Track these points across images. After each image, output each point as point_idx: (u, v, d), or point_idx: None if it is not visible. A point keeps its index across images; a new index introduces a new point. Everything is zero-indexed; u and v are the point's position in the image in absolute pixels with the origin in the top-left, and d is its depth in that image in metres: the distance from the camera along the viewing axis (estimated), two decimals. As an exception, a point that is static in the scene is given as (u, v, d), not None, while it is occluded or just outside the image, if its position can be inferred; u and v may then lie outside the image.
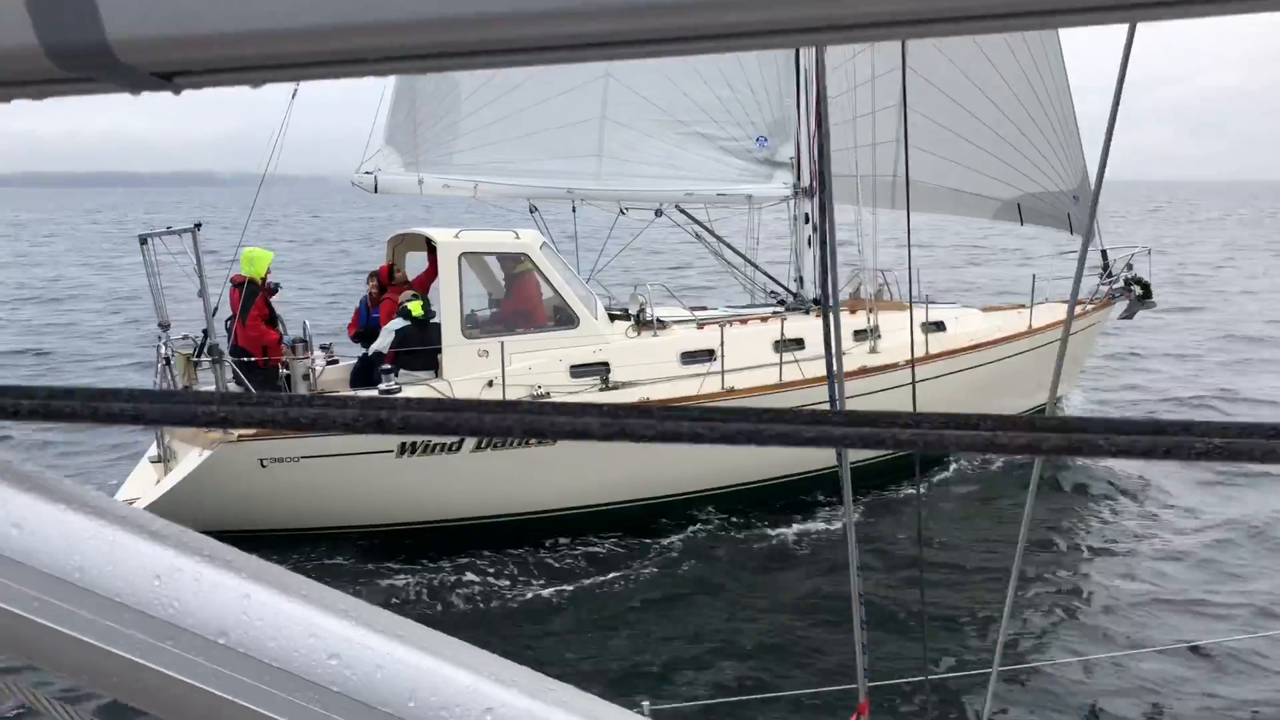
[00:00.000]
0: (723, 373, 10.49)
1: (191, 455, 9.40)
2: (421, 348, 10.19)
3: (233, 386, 9.72)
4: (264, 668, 0.69)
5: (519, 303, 10.79)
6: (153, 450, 10.19)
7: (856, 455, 9.59)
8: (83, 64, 0.56)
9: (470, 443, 9.65)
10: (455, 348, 10.17)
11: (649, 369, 10.74)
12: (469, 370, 10.10)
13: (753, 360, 10.96)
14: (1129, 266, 14.93)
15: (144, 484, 9.69)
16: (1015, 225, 15.67)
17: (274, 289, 10.72)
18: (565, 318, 10.79)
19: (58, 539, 0.69)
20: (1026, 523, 3.29)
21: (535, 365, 10.37)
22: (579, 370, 10.56)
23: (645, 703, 4.52)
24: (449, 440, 9.61)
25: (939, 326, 12.89)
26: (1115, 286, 14.83)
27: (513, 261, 10.83)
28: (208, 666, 0.69)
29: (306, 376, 10.38)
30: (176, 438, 9.80)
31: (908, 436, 0.62)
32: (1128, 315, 15.20)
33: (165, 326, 9.49)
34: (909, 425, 0.62)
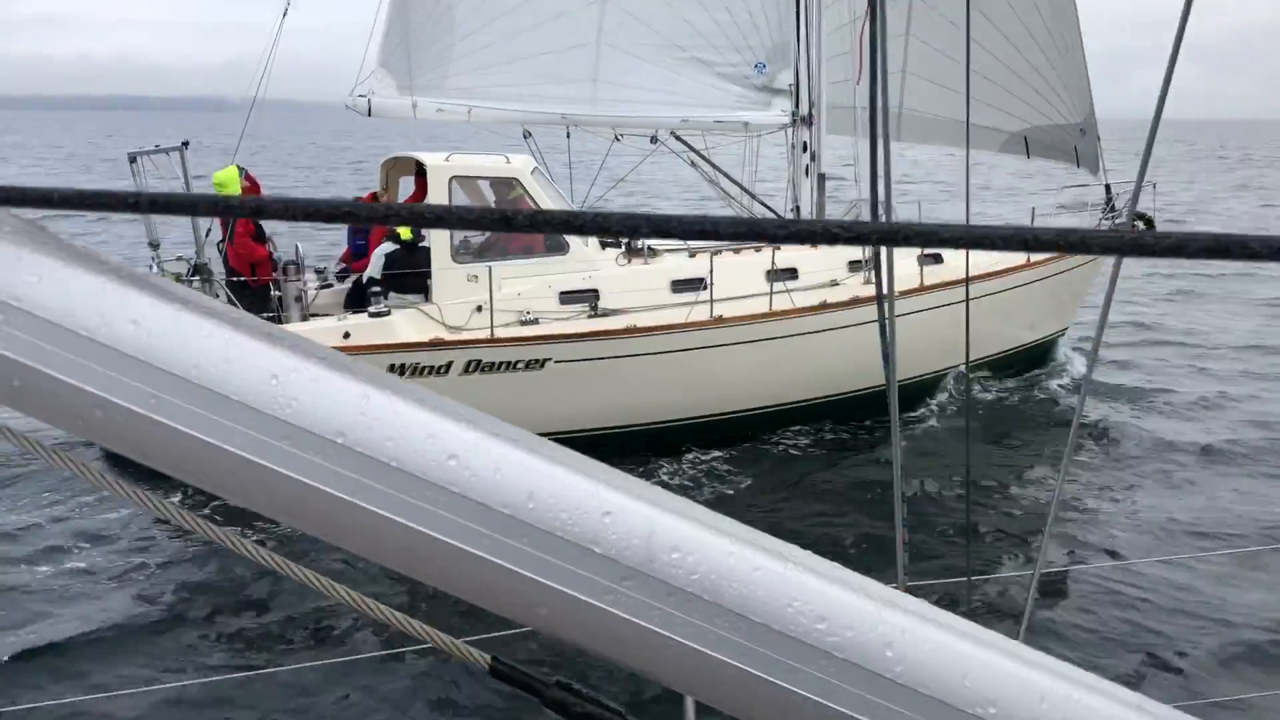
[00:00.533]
0: (711, 301, 10.47)
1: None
2: (411, 270, 10.21)
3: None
4: (382, 468, 0.68)
5: (514, 236, 10.78)
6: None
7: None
8: None
9: (458, 366, 9.71)
10: (445, 271, 10.20)
11: (638, 296, 10.74)
12: (459, 294, 10.13)
13: (744, 289, 10.93)
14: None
15: None
16: (1020, 160, 15.55)
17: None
18: (555, 244, 10.78)
19: (174, 335, 0.68)
20: (1076, 424, 3.23)
21: (525, 291, 10.39)
22: (568, 296, 10.58)
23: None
24: (438, 363, 9.68)
25: (935, 259, 12.81)
26: (1119, 221, 14.67)
27: (506, 187, 10.80)
28: (325, 466, 0.68)
29: (299, 298, 10.44)
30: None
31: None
32: None
33: (155, 245, 9.54)
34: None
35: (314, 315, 10.41)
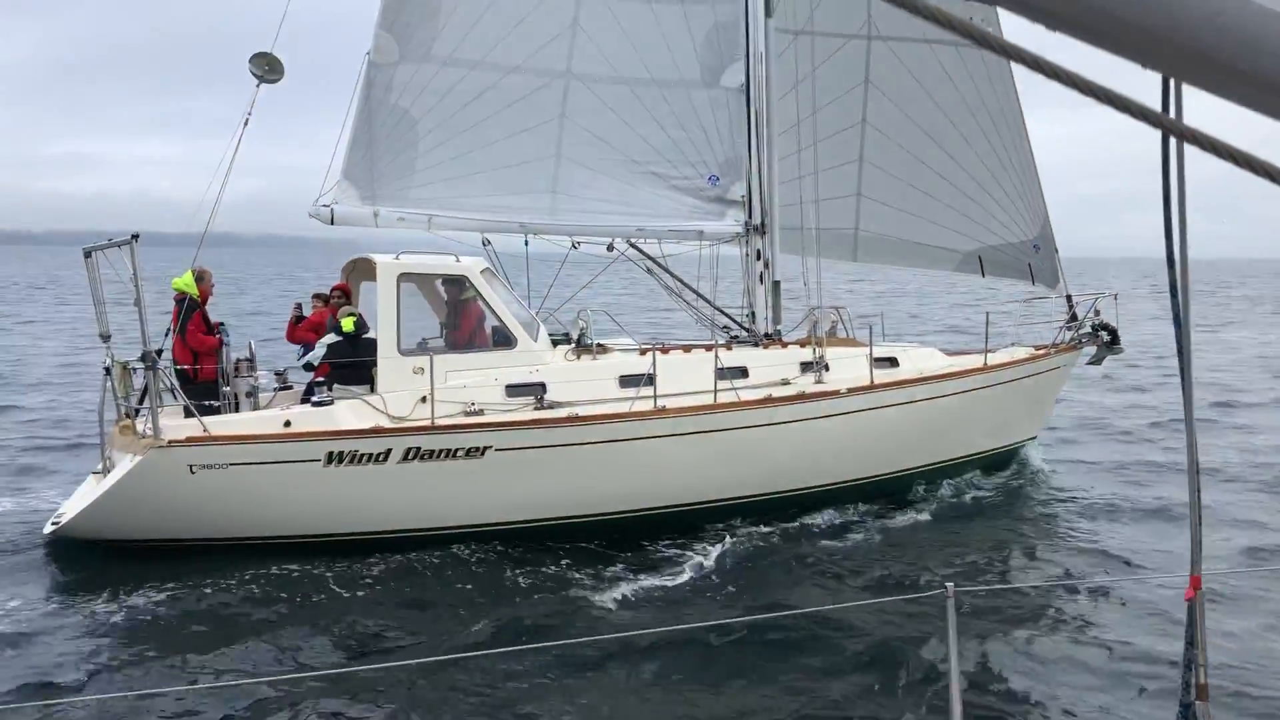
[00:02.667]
0: (655, 396, 10.59)
1: (125, 461, 9.62)
2: (352, 360, 10.42)
3: (170, 396, 10.00)
4: None
5: (463, 331, 11.04)
6: (98, 465, 10.43)
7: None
8: None
9: (397, 453, 9.80)
10: (389, 361, 10.40)
11: (585, 389, 10.88)
12: (403, 385, 10.30)
13: (692, 386, 11.06)
14: (1096, 312, 14.95)
15: (85, 497, 9.88)
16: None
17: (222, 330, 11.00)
18: (503, 338, 11.01)
19: None
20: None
21: (470, 383, 10.56)
22: (515, 389, 10.73)
23: None
24: (377, 450, 9.77)
25: (891, 362, 12.95)
26: (1082, 332, 14.83)
27: (456, 287, 11.11)
28: None
29: (250, 394, 10.64)
30: (116, 447, 10.03)
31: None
32: (1095, 361, 15.17)
33: (106, 337, 9.81)
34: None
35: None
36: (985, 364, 13.31)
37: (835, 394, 11.52)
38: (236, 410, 10.42)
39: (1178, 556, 9.87)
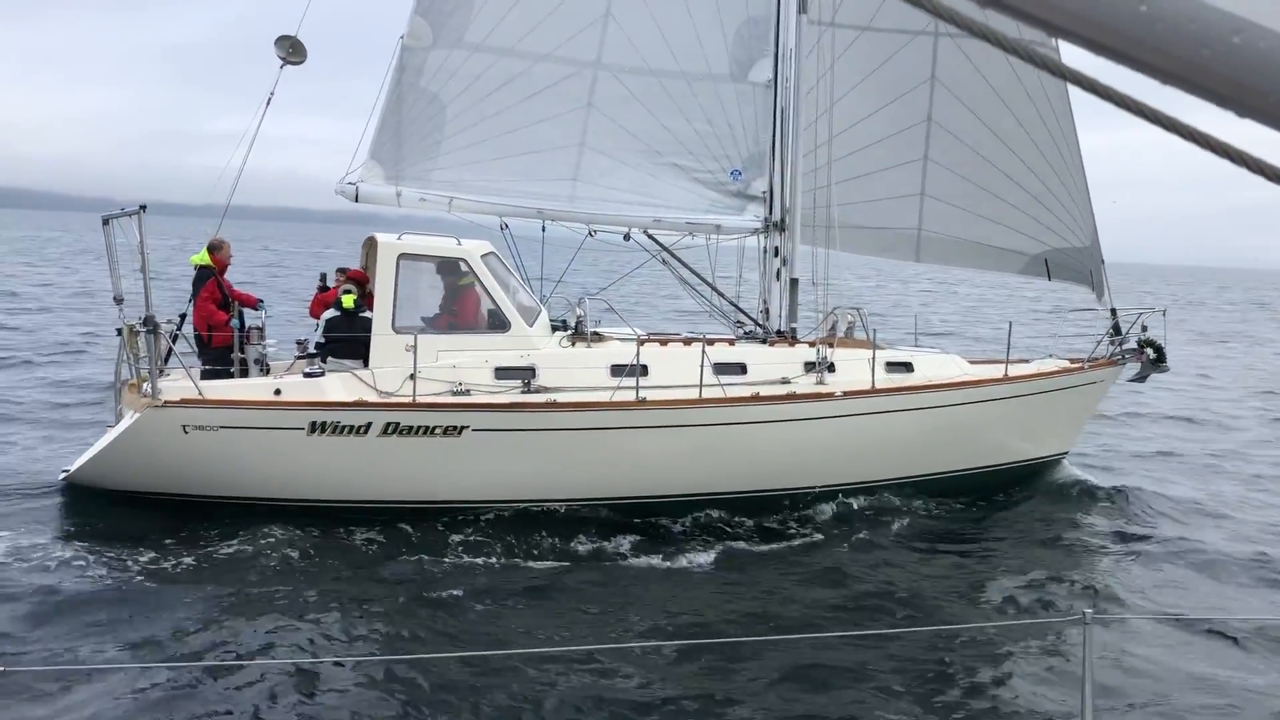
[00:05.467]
0: (637, 387, 10.71)
1: (127, 418, 10.26)
2: (348, 335, 10.83)
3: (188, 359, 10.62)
4: None
5: (459, 315, 11.34)
6: (112, 420, 11.14)
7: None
8: None
9: (377, 427, 10.18)
10: (382, 338, 10.78)
11: (575, 376, 11.07)
12: (393, 362, 10.66)
13: (684, 379, 11.14)
14: (1144, 328, 14.40)
15: (93, 449, 10.58)
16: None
17: (258, 304, 11.64)
18: (498, 322, 11.28)
19: None
20: None
21: (461, 363, 10.87)
22: (504, 372, 10.99)
23: None
24: (358, 423, 10.17)
25: (906, 367, 12.77)
26: (1126, 347, 14.32)
27: (454, 274, 11.41)
28: None
29: (258, 360, 11.18)
30: (125, 404, 10.69)
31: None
32: (1139, 379, 14.63)
33: (119, 300, 10.43)
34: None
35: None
36: (1006, 375, 13.00)
37: (828, 397, 11.44)
38: (245, 376, 10.97)
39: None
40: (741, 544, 10.64)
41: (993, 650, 8.15)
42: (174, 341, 11.20)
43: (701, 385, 10.95)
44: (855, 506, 11.72)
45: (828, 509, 11.53)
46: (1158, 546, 11.37)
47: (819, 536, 10.99)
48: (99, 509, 10.27)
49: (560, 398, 10.77)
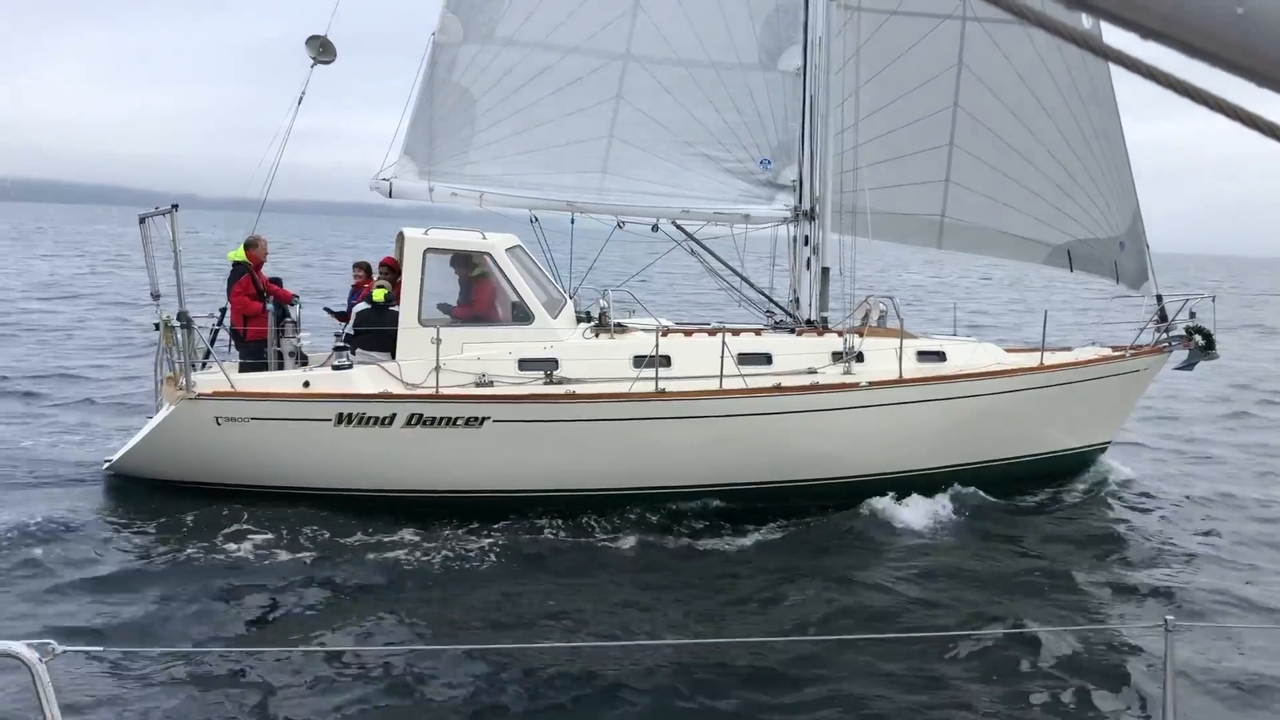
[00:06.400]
0: (657, 378, 10.78)
1: (162, 411, 10.65)
2: (378, 328, 11.09)
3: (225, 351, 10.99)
4: None
5: (475, 306, 11.53)
6: (153, 411, 11.56)
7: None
8: None
9: (401, 418, 10.42)
10: (409, 331, 11.01)
11: (598, 367, 11.19)
12: (420, 354, 10.88)
13: (709, 371, 11.17)
14: (1191, 314, 14.06)
15: (133, 440, 11.01)
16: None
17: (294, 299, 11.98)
18: (522, 314, 11.44)
19: None
20: None
21: (484, 355, 11.06)
22: (527, 364, 11.15)
23: None
24: (383, 414, 10.42)
25: (938, 356, 12.65)
26: (1173, 334, 14.00)
27: (467, 266, 11.57)
28: None
29: (293, 353, 11.51)
30: (164, 396, 11.09)
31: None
32: (1187, 366, 14.29)
33: (156, 296, 10.82)
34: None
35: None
36: (1041, 363, 12.80)
37: (852, 387, 11.39)
38: (281, 369, 11.30)
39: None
40: (776, 535, 10.66)
41: (1068, 655, 7.92)
42: (214, 335, 11.61)
43: (721, 376, 10.98)
44: (891, 499, 11.54)
45: (867, 502, 11.41)
46: (1224, 544, 11.09)
47: (860, 529, 10.92)
48: (139, 497, 10.69)
49: (581, 389, 10.90)
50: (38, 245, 68.00)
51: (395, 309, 11.23)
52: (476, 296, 11.57)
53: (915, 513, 11.26)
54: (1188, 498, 13.09)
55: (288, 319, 11.65)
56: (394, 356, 11.05)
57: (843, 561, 10.04)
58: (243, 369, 11.18)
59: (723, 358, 10.98)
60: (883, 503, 11.38)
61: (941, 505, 11.59)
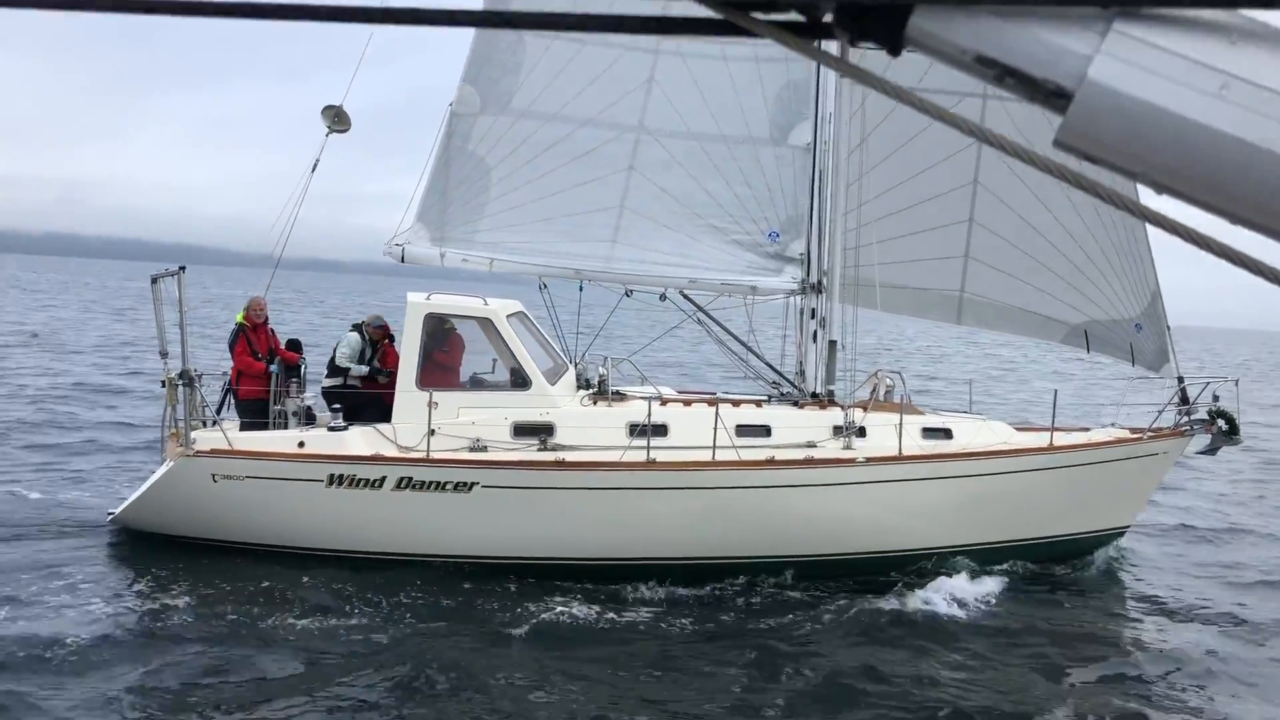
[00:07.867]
0: (648, 447, 10.77)
1: (163, 466, 10.88)
2: (353, 391, 11.34)
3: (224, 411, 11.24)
4: None
5: (449, 357, 11.66)
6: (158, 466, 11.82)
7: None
8: None
9: (391, 481, 10.52)
10: (406, 394, 11.15)
11: (593, 435, 11.21)
12: (416, 417, 11.00)
13: (705, 441, 11.12)
14: (1215, 398, 13.73)
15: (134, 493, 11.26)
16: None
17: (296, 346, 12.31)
18: (520, 380, 11.53)
19: None
20: None
21: (480, 420, 11.15)
22: (522, 429, 11.22)
23: None
24: (373, 476, 10.53)
25: (944, 433, 12.47)
26: (1195, 418, 13.66)
27: (441, 322, 11.69)
28: None
29: (297, 413, 11.71)
30: (167, 452, 11.33)
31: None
32: (1210, 451, 13.91)
33: (164, 355, 11.12)
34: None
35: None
36: (1051, 444, 12.55)
37: (848, 462, 11.26)
38: (284, 429, 11.50)
39: None
40: (764, 621, 10.18)
41: None
42: (225, 394, 11.90)
43: (714, 447, 10.93)
44: (888, 577, 11.31)
45: (866, 580, 11.16)
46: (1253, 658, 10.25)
47: (852, 610, 10.42)
48: (141, 551, 10.88)
49: (574, 456, 10.92)
50: (120, 299, 70.38)
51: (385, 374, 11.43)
52: (450, 350, 11.70)
53: (917, 595, 10.99)
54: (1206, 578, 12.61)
55: (294, 379, 11.88)
56: (388, 419, 11.19)
57: (835, 649, 9.69)
58: (243, 428, 11.40)
59: (715, 428, 10.94)
60: (883, 583, 11.16)
61: (943, 588, 11.30)
